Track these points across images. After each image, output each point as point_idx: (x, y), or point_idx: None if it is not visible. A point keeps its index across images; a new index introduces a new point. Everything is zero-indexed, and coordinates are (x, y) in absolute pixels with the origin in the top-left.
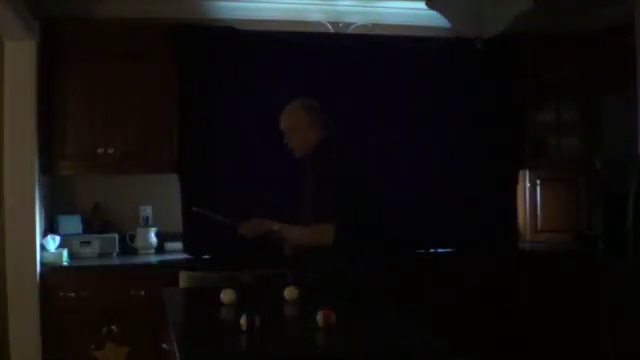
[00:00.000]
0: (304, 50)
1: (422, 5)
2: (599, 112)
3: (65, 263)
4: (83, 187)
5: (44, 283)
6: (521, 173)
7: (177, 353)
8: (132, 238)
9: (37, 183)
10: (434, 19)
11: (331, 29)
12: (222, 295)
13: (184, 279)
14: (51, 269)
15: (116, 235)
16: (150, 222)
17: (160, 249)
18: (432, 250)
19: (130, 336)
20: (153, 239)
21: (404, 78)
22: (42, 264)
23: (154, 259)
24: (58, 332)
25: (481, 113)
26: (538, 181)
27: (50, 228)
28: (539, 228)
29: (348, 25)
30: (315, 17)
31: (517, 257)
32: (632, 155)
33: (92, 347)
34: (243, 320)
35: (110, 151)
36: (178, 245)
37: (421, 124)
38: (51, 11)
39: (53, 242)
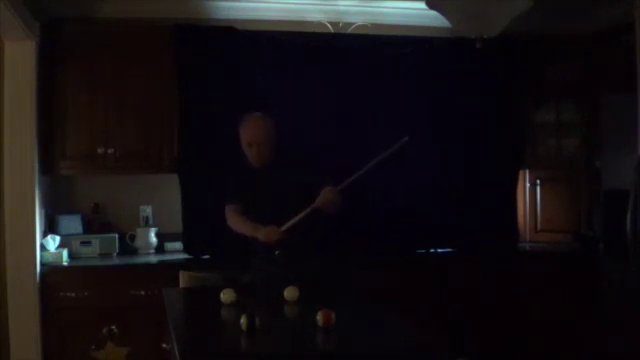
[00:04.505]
0: (304, 50)
1: (422, 5)
2: (599, 112)
3: (65, 263)
4: (83, 187)
5: (44, 283)
6: (521, 173)
7: (177, 353)
8: (132, 238)
9: (37, 183)
10: (434, 19)
11: (331, 29)
12: (222, 295)
13: (184, 279)
14: (51, 269)
15: (116, 235)
16: (150, 222)
17: (160, 249)
18: (432, 250)
19: (130, 336)
20: (153, 239)
21: (404, 78)
22: (42, 264)
23: (154, 259)
24: (58, 332)
25: (481, 113)
26: (538, 181)
27: (50, 228)
28: (539, 228)
29: (348, 25)
30: (315, 17)
31: (517, 257)
32: (632, 155)
33: (92, 347)
34: (243, 320)
35: (110, 151)
36: (178, 245)
37: (421, 124)
38: (51, 11)
39: (53, 242)
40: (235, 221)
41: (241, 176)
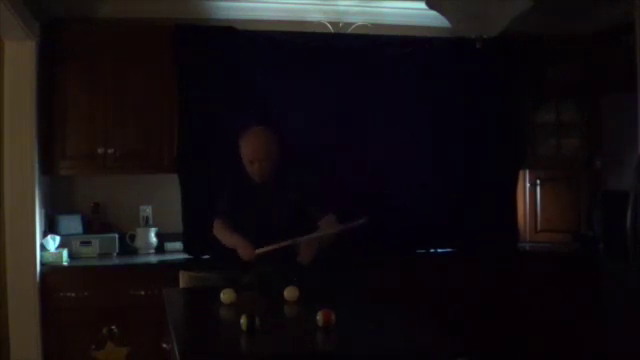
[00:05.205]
0: (304, 50)
1: (422, 5)
2: (599, 112)
3: (65, 263)
4: (83, 187)
5: (44, 283)
6: (521, 173)
7: (177, 353)
8: (132, 238)
9: (37, 183)
10: (434, 19)
11: (331, 29)
12: (222, 295)
13: (184, 279)
14: (51, 269)
15: (116, 235)
16: (150, 222)
17: (160, 249)
18: (432, 250)
19: (130, 336)
20: (153, 239)
21: (404, 78)
22: (42, 264)
23: (154, 259)
24: (58, 332)
25: (481, 113)
26: (538, 181)
27: (50, 228)
28: (539, 228)
29: (348, 25)
30: (315, 17)
31: (517, 257)
32: (632, 155)
33: (92, 347)
34: (243, 320)
35: (110, 151)
36: (178, 245)
37: (421, 124)
38: (51, 11)
39: (53, 242)
40: (218, 231)
41: (238, 191)
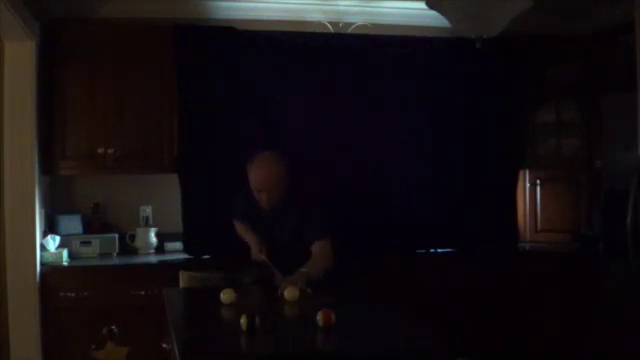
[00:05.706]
0: (304, 50)
1: (422, 5)
2: (599, 112)
3: (65, 263)
4: (83, 187)
5: (44, 283)
6: (521, 173)
7: (177, 353)
8: (132, 238)
9: (37, 183)
10: (434, 19)
11: (331, 29)
12: (222, 295)
13: (184, 279)
14: (51, 269)
15: (116, 235)
16: (150, 222)
17: (160, 249)
18: (432, 250)
19: (130, 336)
20: (153, 239)
21: (404, 78)
22: (42, 264)
23: (154, 259)
24: (58, 332)
25: (481, 113)
26: (538, 181)
27: (50, 228)
28: (539, 228)
29: (348, 25)
30: (315, 17)
31: (517, 257)
32: (632, 155)
33: (92, 347)
34: (243, 320)
35: (110, 151)
36: (178, 245)
37: (421, 124)
38: (51, 11)
39: (53, 242)
40: (239, 229)
41: (248, 207)
